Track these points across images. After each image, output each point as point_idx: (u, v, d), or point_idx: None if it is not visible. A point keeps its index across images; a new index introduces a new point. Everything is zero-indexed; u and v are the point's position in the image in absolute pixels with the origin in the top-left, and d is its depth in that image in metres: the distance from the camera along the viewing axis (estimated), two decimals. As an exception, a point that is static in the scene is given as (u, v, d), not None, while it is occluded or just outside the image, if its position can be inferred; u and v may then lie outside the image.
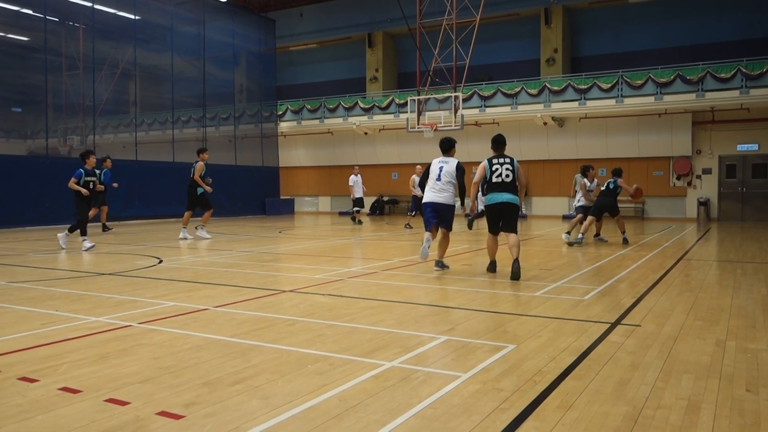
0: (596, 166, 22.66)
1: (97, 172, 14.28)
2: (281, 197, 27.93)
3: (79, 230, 11.29)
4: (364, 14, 29.04)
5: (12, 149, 22.34)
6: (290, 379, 3.56)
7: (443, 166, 8.25)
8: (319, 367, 3.79)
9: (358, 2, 29.24)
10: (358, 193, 19.37)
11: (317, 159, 29.63)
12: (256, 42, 26.99)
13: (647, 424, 2.91)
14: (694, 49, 23.26)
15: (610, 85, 21.79)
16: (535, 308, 5.68)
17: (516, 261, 7.63)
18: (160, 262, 9.41)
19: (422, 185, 8.65)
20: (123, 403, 3.16)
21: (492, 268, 8.13)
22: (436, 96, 21.59)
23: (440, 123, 20.24)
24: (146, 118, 25.77)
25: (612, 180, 12.61)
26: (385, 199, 27.76)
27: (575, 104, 22.46)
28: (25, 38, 21.78)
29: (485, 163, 8.03)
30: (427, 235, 8.25)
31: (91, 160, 11.51)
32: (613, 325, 4.97)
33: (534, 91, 22.96)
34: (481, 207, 9.88)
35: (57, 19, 21.48)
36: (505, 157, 8.03)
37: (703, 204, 22.02)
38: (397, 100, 25.67)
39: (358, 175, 19.45)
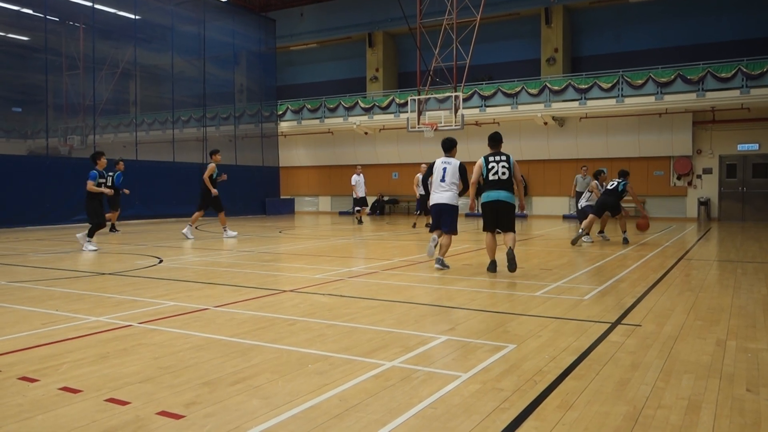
0: (597, 166, 22.78)
1: (110, 174, 14.30)
2: (281, 197, 27.94)
3: (90, 231, 11.14)
4: (364, 14, 29.03)
5: (12, 149, 22.34)
6: (290, 379, 3.56)
7: (446, 167, 8.42)
8: (319, 367, 3.79)
9: (358, 2, 29.23)
10: (360, 192, 19.40)
11: (317, 159, 29.63)
12: (256, 42, 27.00)
13: (647, 424, 2.91)
14: (694, 48, 23.25)
15: (610, 85, 21.78)
16: (536, 308, 5.68)
17: (510, 249, 7.83)
18: (161, 261, 9.42)
19: (425, 182, 8.81)
20: (123, 403, 3.16)
21: (492, 267, 8.13)
22: (436, 96, 21.59)
23: (440, 123, 20.23)
24: (146, 117, 25.78)
25: (622, 182, 12.38)
26: (386, 198, 27.77)
27: (576, 104, 22.45)
28: (25, 38, 21.79)
29: (481, 161, 8.13)
30: (434, 234, 8.54)
31: (102, 161, 11.39)
32: (614, 325, 4.97)
33: (534, 91, 22.96)
34: None
35: (57, 19, 21.49)
36: (501, 154, 8.12)
37: (704, 204, 22.01)
38: (397, 100, 25.66)
39: (361, 174, 19.46)
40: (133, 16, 21.98)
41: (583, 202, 13.63)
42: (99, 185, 11.17)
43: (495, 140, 8.25)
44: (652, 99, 21.21)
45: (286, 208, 27.14)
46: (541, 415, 3.01)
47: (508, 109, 23.58)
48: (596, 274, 8.12)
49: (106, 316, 5.31)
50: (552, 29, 25.17)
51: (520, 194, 8.73)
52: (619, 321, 5.14)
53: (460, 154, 9.26)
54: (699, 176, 22.43)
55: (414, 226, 17.43)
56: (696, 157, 22.39)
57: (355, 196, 19.55)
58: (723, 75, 20.07)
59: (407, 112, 22.20)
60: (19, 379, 3.57)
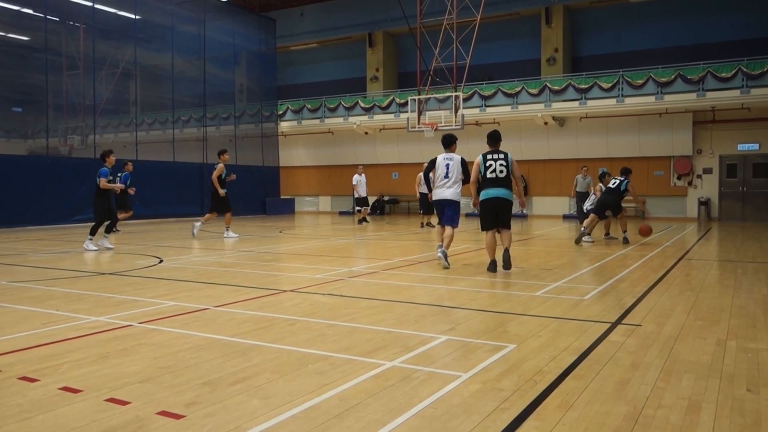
0: (597, 165, 22.79)
1: (119, 175, 14.31)
2: (282, 197, 27.95)
3: (93, 228, 11.08)
4: (364, 14, 29.03)
5: (12, 149, 22.36)
6: (290, 379, 3.56)
7: (449, 163, 8.64)
8: (319, 367, 3.79)
9: (358, 2, 29.23)
10: (362, 192, 19.38)
11: (318, 159, 29.63)
12: (256, 41, 27.00)
13: (648, 424, 2.91)
14: (694, 48, 23.25)
15: (610, 85, 21.78)
16: (536, 308, 5.68)
17: (506, 250, 8.07)
18: (161, 261, 9.42)
19: (426, 177, 8.99)
20: (123, 403, 3.16)
21: (492, 267, 8.13)
22: (436, 95, 21.59)
23: (441, 122, 20.23)
24: (147, 117, 25.78)
25: (623, 180, 12.34)
26: (386, 198, 27.77)
27: (576, 104, 22.45)
28: (25, 38, 21.80)
29: (479, 158, 8.26)
30: (440, 241, 8.78)
31: (111, 159, 11.38)
32: (614, 325, 4.97)
33: (534, 91, 22.95)
34: None
35: (57, 19, 21.49)
36: (499, 152, 8.23)
37: (704, 204, 22.01)
38: (397, 100, 25.66)
39: (362, 174, 19.44)
40: (133, 16, 21.98)
41: (587, 205, 13.64)
42: (110, 182, 11.16)
43: (494, 138, 8.36)
44: (652, 99, 21.21)
45: (286, 208, 27.15)
46: (541, 415, 3.01)
47: (508, 109, 23.58)
48: (596, 274, 8.12)
49: (107, 316, 5.31)
50: (552, 29, 25.17)
51: (519, 191, 8.94)
52: (619, 321, 5.14)
53: (460, 154, 9.26)
54: (699, 176, 22.42)
55: (422, 225, 17.38)
56: (696, 157, 22.38)
57: (356, 195, 19.53)
58: (723, 75, 20.06)
59: (407, 112, 22.20)
60: (19, 379, 3.57)
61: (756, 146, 21.45)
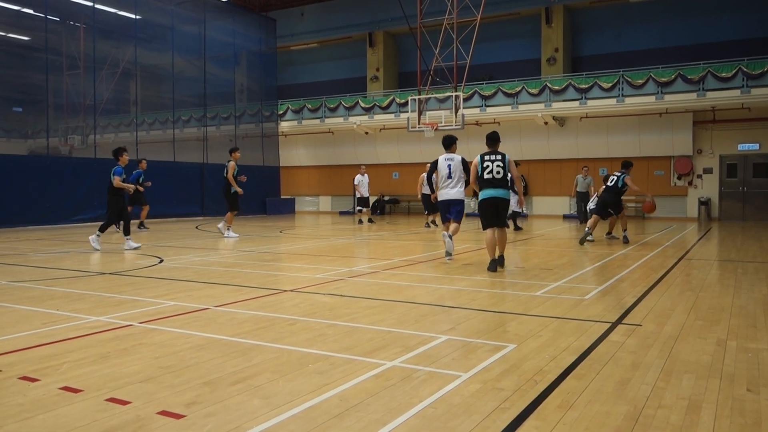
0: (597, 165, 22.81)
1: (134, 172, 14.31)
2: (282, 197, 27.94)
3: (119, 231, 11.02)
4: (364, 14, 29.03)
5: (13, 149, 22.35)
6: (291, 379, 3.56)
7: (450, 164, 8.99)
8: (319, 367, 3.79)
9: (358, 2, 29.22)
10: (364, 192, 19.36)
11: (318, 159, 29.63)
12: (256, 41, 26.99)
13: (648, 424, 2.91)
14: (695, 48, 23.24)
15: (610, 85, 21.77)
16: (536, 308, 5.68)
17: (501, 256, 8.42)
18: (161, 261, 9.42)
19: (429, 179, 9.69)
20: (124, 403, 3.16)
21: (492, 267, 8.15)
22: (436, 95, 21.59)
23: (441, 122, 20.23)
24: (147, 117, 25.77)
25: (621, 175, 12.23)
26: (386, 198, 27.76)
27: (576, 104, 22.44)
28: (26, 38, 21.79)
29: (477, 159, 8.44)
30: (444, 231, 9.16)
31: (124, 158, 11.27)
32: (614, 325, 4.97)
33: (535, 91, 22.95)
34: None
35: (58, 19, 21.50)
36: (497, 153, 8.40)
37: (704, 203, 22.00)
38: (397, 100, 25.66)
39: (365, 174, 19.42)
40: (133, 16, 21.98)
41: (590, 205, 13.61)
42: (123, 181, 11.08)
43: (492, 139, 8.55)
44: (652, 99, 21.20)
45: (286, 208, 27.14)
46: (541, 415, 3.01)
47: (508, 108, 23.57)
48: (597, 274, 8.12)
49: (107, 316, 5.31)
50: (552, 29, 25.16)
51: (519, 190, 9.26)
52: (619, 321, 5.14)
53: (460, 155, 9.51)
54: (699, 176, 22.42)
55: (427, 225, 17.39)
56: (696, 157, 22.38)
57: (358, 195, 19.52)
58: (723, 75, 20.06)
59: (408, 111, 22.19)
60: (19, 378, 3.57)
61: (756, 146, 21.45)
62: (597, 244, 12.23)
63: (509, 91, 23.42)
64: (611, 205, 12.29)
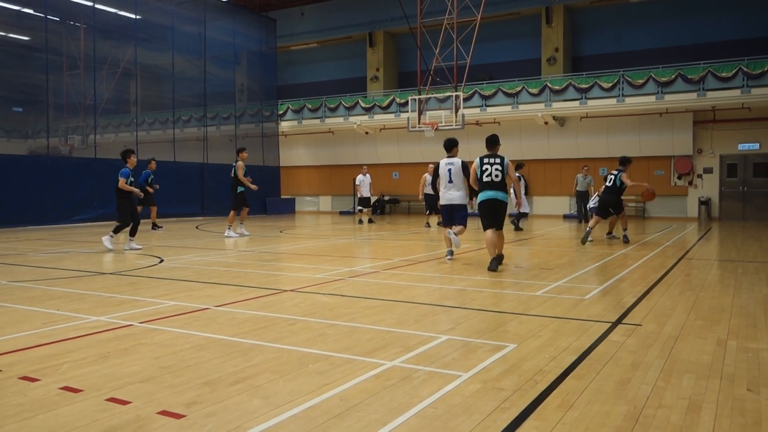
0: (597, 165, 22.81)
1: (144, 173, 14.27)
2: (282, 197, 27.93)
3: (127, 230, 10.94)
4: (364, 13, 29.02)
5: (13, 149, 22.34)
6: (291, 379, 3.56)
7: (451, 168, 9.13)
8: (319, 367, 3.79)
9: (358, 2, 29.22)
10: (365, 192, 19.35)
11: (318, 158, 29.63)
12: (256, 41, 26.98)
13: (648, 424, 2.91)
14: (695, 48, 23.24)
15: (611, 85, 21.77)
16: (536, 308, 5.68)
17: (501, 255, 8.53)
18: (161, 261, 9.42)
19: (434, 184, 9.70)
20: (124, 403, 3.16)
21: (493, 266, 8.17)
22: (436, 95, 21.58)
23: (441, 122, 20.23)
24: (147, 117, 25.77)
25: (616, 174, 12.14)
26: (386, 198, 27.76)
27: (576, 103, 22.44)
28: (26, 38, 21.79)
29: (476, 162, 8.57)
30: (448, 229, 9.28)
31: (132, 160, 11.13)
32: (614, 325, 4.97)
33: (535, 91, 22.95)
34: None
35: (58, 19, 21.49)
36: (496, 156, 8.54)
37: (704, 203, 22.00)
38: (397, 100, 25.65)
39: (367, 174, 19.40)
40: (133, 16, 21.98)
41: (591, 205, 13.61)
42: (130, 184, 10.96)
43: (491, 142, 8.70)
44: (652, 98, 21.20)
45: (286, 208, 27.13)
46: (541, 415, 3.01)
47: (508, 108, 23.57)
48: (597, 274, 8.12)
49: (107, 316, 5.31)
50: (552, 29, 25.16)
51: (517, 191, 9.42)
52: (619, 320, 5.14)
53: (461, 155, 9.66)
54: (700, 176, 22.41)
55: (427, 225, 17.45)
56: (697, 157, 22.38)
57: (360, 195, 19.51)
58: (724, 74, 20.05)
59: (408, 111, 22.19)
60: (19, 378, 3.57)
61: (756, 146, 21.45)
62: (597, 243, 12.23)
63: (509, 91, 23.42)
64: (612, 205, 12.29)
